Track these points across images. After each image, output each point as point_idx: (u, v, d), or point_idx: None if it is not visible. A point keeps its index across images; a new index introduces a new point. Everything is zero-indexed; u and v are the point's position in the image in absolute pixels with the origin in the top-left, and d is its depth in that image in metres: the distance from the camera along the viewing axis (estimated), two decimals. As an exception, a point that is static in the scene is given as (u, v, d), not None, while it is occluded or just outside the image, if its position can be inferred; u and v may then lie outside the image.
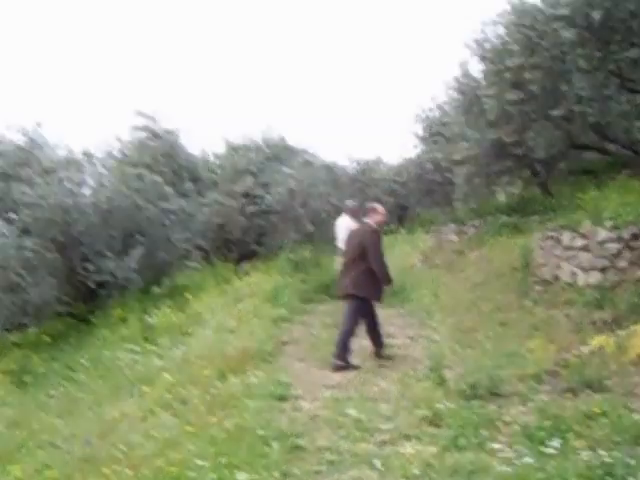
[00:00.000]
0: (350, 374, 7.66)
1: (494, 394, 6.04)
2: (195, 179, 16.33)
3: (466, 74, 12.32)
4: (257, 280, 12.93)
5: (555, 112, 10.55)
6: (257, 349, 8.66)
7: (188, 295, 12.69)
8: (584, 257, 8.35)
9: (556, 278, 8.99)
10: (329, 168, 18.93)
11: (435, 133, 18.49)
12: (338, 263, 12.53)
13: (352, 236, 8.38)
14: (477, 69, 12.32)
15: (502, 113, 10.98)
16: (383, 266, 7.96)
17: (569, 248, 8.75)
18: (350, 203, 13.33)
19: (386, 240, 11.09)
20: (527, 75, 10.57)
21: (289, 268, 14.06)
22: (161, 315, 11.95)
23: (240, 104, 51.71)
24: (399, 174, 24.59)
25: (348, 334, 7.98)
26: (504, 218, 14.03)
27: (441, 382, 6.50)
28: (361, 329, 8.35)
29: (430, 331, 9.78)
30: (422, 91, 59.75)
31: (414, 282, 13.27)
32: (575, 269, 8.50)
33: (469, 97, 12.04)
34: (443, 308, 10.73)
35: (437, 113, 19.19)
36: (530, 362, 6.77)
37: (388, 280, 8.09)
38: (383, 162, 27.89)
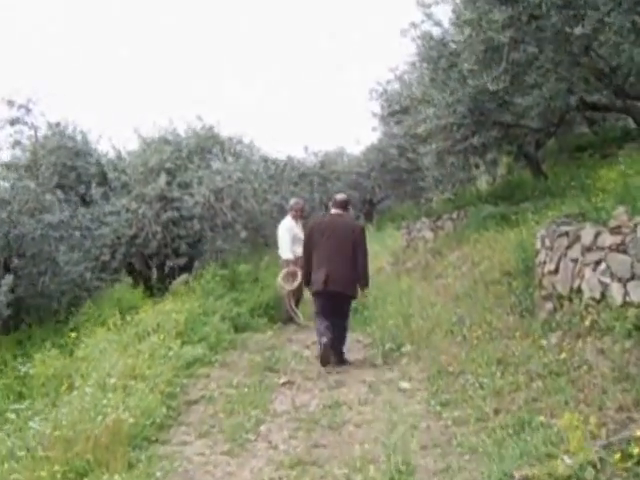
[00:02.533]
0: (267, 469, 4.98)
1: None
2: (101, 182, 13.45)
3: (429, 18, 9.24)
4: (171, 307, 10.13)
5: (577, 30, 7.00)
6: (139, 423, 5.95)
7: (78, 333, 9.85)
8: (619, 261, 5.66)
9: (576, 291, 6.30)
10: (269, 160, 16.20)
11: (396, 110, 15.79)
12: (284, 275, 10.24)
13: (336, 230, 7.83)
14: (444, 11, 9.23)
15: (486, 49, 7.52)
16: (367, 267, 7.93)
17: (593, 248, 6.06)
18: (293, 201, 11.38)
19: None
20: None
21: (218, 287, 11.35)
22: (40, 363, 9.15)
23: (178, 99, 48.65)
24: (361, 164, 22.07)
25: (345, 334, 7.96)
26: (489, 208, 12.06)
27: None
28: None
29: (397, 373, 7.32)
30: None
31: (379, 294, 10.83)
32: (605, 279, 5.81)
33: (436, 47, 8.90)
34: (415, 334, 8.22)
35: (397, 85, 16.49)
36: (560, 448, 4.09)
37: (367, 283, 7.99)
38: (347, 153, 25.97)
